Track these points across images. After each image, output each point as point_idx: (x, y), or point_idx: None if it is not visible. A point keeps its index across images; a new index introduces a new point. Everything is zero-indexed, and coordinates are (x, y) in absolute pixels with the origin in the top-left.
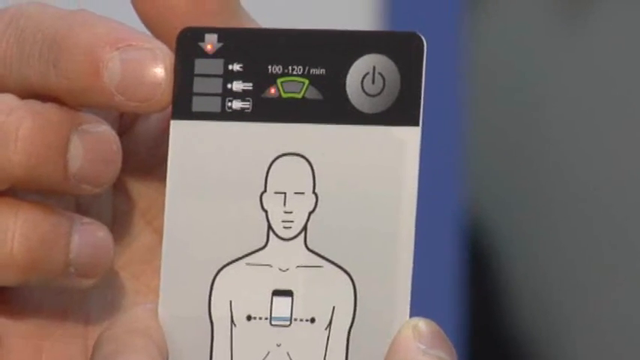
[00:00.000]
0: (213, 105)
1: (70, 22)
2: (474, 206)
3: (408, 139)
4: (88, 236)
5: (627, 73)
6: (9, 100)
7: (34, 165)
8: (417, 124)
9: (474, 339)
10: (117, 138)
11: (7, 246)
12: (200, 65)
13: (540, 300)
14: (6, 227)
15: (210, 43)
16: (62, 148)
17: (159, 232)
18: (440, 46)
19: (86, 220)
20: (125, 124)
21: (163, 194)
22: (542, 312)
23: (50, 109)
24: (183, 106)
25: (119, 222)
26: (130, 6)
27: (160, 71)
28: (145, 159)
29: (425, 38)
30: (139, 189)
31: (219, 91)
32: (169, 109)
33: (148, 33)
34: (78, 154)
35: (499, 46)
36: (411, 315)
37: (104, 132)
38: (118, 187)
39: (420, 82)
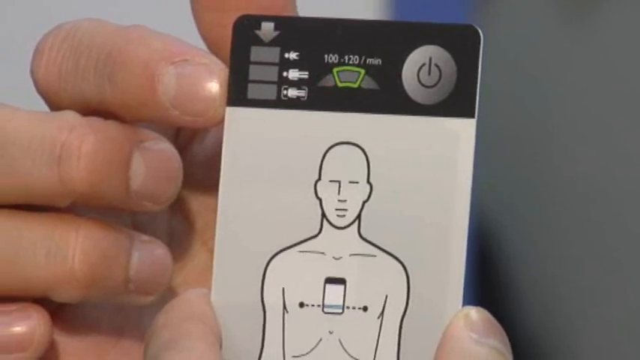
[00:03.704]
0: (269, 93)
1: (126, 37)
2: (480, 206)
3: (462, 130)
4: (148, 253)
5: (635, 73)
6: (71, 117)
7: (96, 182)
8: (472, 116)
9: None
10: (178, 155)
11: (68, 262)
12: (256, 53)
13: (547, 300)
14: (67, 244)
15: (267, 31)
16: (124, 165)
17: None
18: None
19: (145, 237)
20: (181, 143)
21: None
22: (549, 312)
23: (112, 126)
24: (238, 93)
25: (175, 241)
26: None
27: (214, 86)
28: (202, 179)
29: None
30: (195, 209)
31: (275, 79)
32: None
33: (204, 48)
34: (140, 171)
35: (505, 46)
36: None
37: (165, 149)
38: (175, 207)
39: (476, 74)
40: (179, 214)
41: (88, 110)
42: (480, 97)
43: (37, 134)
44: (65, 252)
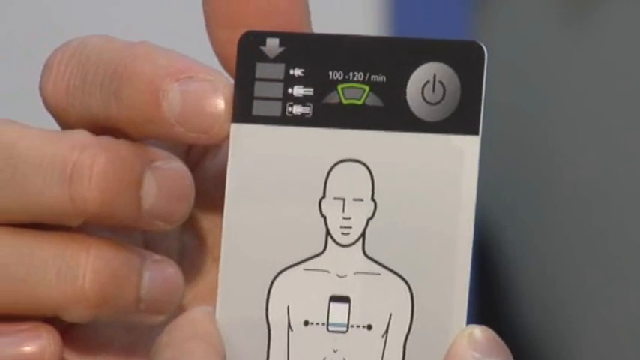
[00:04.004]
0: (274, 109)
1: (132, 53)
2: (480, 210)
3: (467, 147)
4: (159, 273)
5: (635, 74)
6: (82, 136)
7: (108, 201)
8: (476, 133)
9: None
10: (189, 174)
11: (79, 282)
12: (261, 69)
13: (547, 303)
14: (78, 263)
15: (272, 47)
16: (136, 185)
17: None
18: None
19: (157, 256)
20: (193, 161)
21: None
22: (549, 315)
23: (123, 146)
24: (243, 110)
25: (187, 259)
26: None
27: (219, 103)
28: (213, 196)
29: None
30: (207, 226)
31: (280, 95)
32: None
33: (211, 65)
34: (151, 191)
35: (504, 47)
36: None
37: (177, 168)
38: (186, 224)
39: (481, 91)
40: (191, 231)
41: (96, 127)
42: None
43: (48, 153)
44: (76, 271)
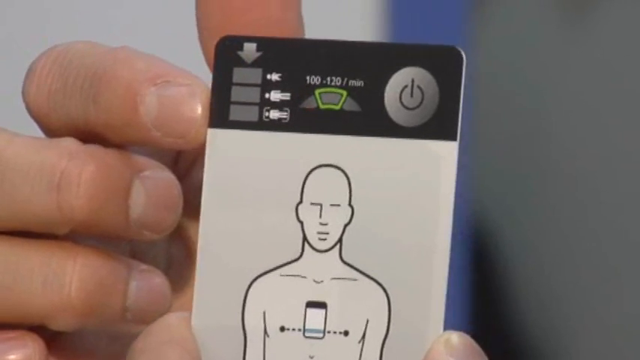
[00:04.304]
0: (251, 114)
1: (113, 58)
2: (478, 208)
3: (445, 153)
4: (146, 282)
5: (633, 74)
6: (71, 144)
7: (95, 210)
8: (454, 139)
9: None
10: (178, 184)
11: (65, 290)
12: (238, 74)
13: (545, 302)
14: (64, 271)
15: (249, 52)
16: (124, 193)
17: None
18: None
19: (143, 266)
20: (180, 171)
21: None
22: (547, 314)
23: (112, 154)
24: (220, 115)
25: (174, 269)
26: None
27: (196, 107)
28: (200, 205)
29: (429, 39)
30: (194, 236)
31: (257, 100)
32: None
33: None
34: (139, 200)
35: (502, 48)
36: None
37: (166, 178)
38: (174, 234)
39: (459, 96)
40: (178, 241)
41: (76, 132)
42: (478, 96)
43: (37, 161)
44: (62, 280)
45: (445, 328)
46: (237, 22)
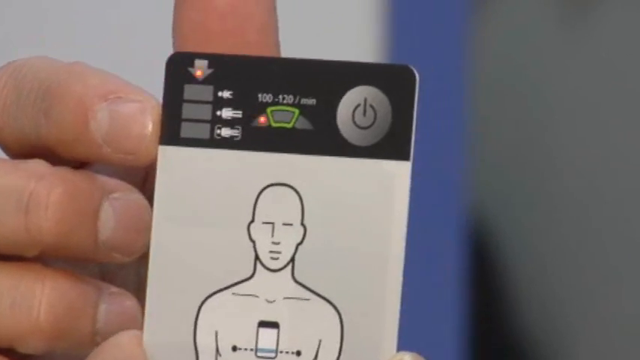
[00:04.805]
0: (202, 132)
1: (67, 73)
2: (478, 207)
3: (398, 173)
4: (116, 305)
5: (634, 73)
6: (39, 166)
7: (64, 232)
8: (407, 159)
9: (478, 340)
10: (148, 206)
11: (34, 313)
12: (189, 91)
13: (545, 302)
14: (33, 295)
15: (200, 69)
16: (93, 216)
17: None
18: (444, 47)
19: (114, 289)
20: (148, 191)
21: None
22: (546, 314)
23: (80, 176)
24: (171, 132)
25: (144, 292)
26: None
27: (147, 124)
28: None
29: (429, 39)
30: None
31: (209, 117)
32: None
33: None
34: (109, 222)
35: (503, 48)
36: (399, 348)
37: (135, 200)
38: (144, 257)
39: (412, 116)
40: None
41: (29, 146)
42: (479, 96)
43: (5, 183)
44: (31, 303)
45: (445, 328)
46: (214, 47)
